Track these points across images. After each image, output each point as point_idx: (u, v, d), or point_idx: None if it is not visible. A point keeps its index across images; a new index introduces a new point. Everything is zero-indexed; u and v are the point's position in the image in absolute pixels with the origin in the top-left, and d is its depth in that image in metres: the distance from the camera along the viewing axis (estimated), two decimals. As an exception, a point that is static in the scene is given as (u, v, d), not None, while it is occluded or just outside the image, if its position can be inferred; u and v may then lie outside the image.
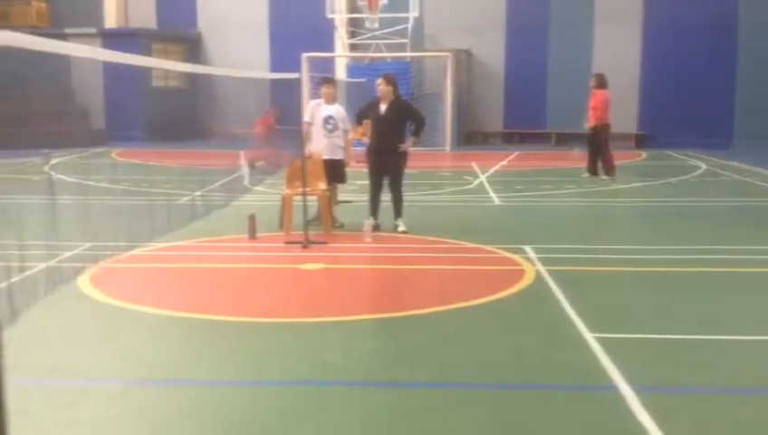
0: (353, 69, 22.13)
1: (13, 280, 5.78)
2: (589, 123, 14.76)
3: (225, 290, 7.12)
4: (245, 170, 13.41)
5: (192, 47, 25.23)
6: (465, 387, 4.78)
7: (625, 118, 21.22)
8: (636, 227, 10.60)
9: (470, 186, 14.19)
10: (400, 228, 9.53)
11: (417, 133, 9.74)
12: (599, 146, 14.82)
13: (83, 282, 6.94)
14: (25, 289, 5.48)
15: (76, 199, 11.21)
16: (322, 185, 9.57)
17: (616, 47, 22.39)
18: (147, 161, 18.23)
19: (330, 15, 22.32)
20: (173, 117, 23.76)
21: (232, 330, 5.87)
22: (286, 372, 5.01)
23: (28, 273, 6.51)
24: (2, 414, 2.69)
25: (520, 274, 7.46)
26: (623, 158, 17.29)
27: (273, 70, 21.61)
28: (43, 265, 6.94)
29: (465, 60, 23.28)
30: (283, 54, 23.31)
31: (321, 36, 22.97)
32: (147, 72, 23.11)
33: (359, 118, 9.87)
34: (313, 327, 5.98)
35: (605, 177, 14.72)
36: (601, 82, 14.98)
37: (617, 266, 7.83)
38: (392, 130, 9.51)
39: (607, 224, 10.87)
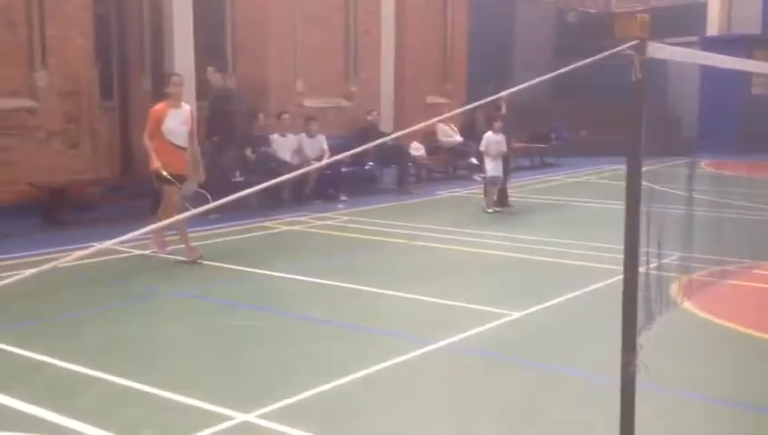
0: None
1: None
2: None
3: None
4: None
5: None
6: None
7: None
8: None
9: None
10: None
11: None
12: None
13: (673, 291, 6.93)
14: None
15: (662, 208, 11.25)
16: None
17: None
18: (739, 173, 17.36)
19: None
20: (771, 127, 22.18)
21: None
22: None
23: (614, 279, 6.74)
24: (631, 412, 2.83)
25: None
26: None
27: None
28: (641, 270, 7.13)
29: None
30: None
31: None
32: (747, 79, 22.02)
33: None
34: None
35: None
36: None
37: None
38: None
39: None
